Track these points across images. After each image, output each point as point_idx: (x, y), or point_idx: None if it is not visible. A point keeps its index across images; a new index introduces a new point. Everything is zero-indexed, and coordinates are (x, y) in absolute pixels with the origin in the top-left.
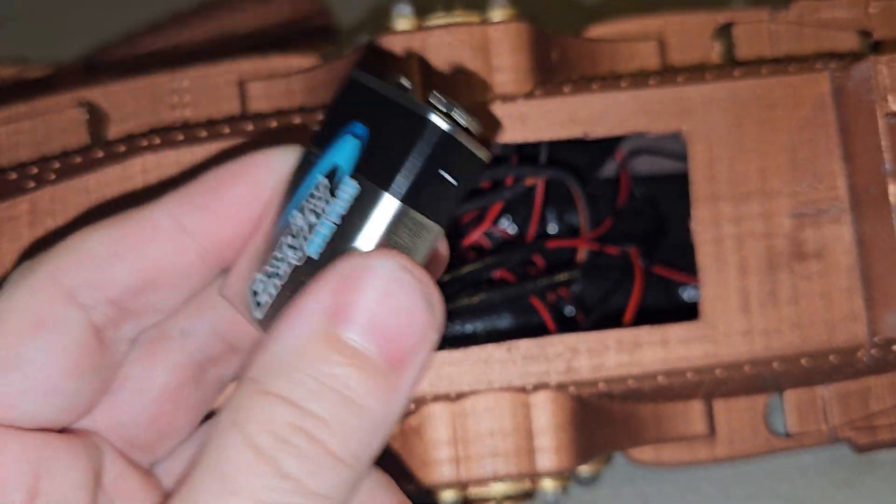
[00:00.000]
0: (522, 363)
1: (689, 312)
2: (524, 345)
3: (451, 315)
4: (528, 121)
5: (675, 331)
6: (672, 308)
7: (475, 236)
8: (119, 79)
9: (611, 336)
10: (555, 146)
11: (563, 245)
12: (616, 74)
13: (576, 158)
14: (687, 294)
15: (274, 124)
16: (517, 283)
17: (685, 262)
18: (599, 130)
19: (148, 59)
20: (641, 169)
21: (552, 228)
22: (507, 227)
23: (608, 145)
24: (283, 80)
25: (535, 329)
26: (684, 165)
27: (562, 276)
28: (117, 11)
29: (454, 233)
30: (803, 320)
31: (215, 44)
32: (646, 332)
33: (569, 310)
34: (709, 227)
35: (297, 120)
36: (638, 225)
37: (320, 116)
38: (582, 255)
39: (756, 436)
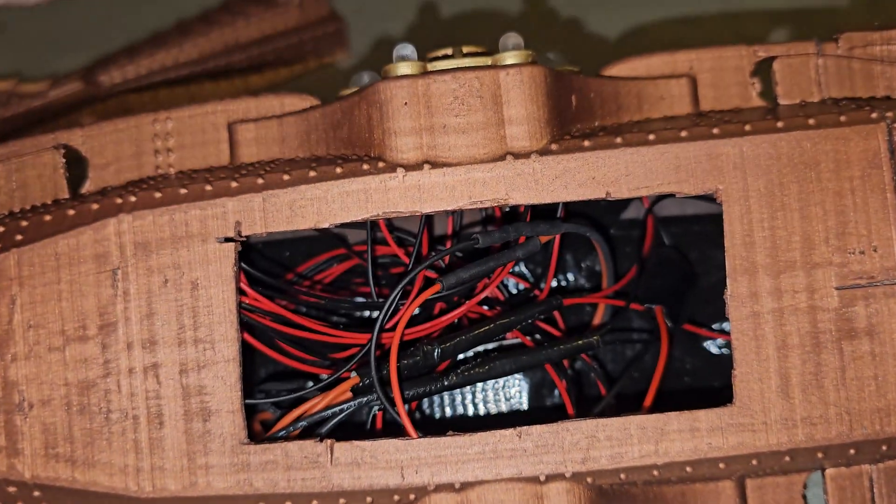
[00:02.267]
0: (535, 451)
1: (713, 364)
2: (537, 431)
3: (457, 385)
4: (543, 180)
5: (706, 417)
6: (698, 365)
7: (486, 292)
8: (100, 120)
9: (633, 423)
10: None
11: (580, 302)
12: (642, 123)
13: (596, 200)
14: (715, 346)
15: (260, 182)
16: (531, 350)
17: (712, 309)
18: (624, 191)
19: (147, 77)
20: (668, 210)
21: (570, 276)
22: (523, 272)
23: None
24: (275, 123)
25: (551, 402)
26: (715, 206)
27: (581, 342)
28: (118, 21)
29: (465, 289)
30: (852, 407)
31: (218, 55)
32: (673, 419)
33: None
34: (746, 300)
35: (285, 176)
36: (665, 277)
37: (310, 172)
38: (601, 312)
39: None
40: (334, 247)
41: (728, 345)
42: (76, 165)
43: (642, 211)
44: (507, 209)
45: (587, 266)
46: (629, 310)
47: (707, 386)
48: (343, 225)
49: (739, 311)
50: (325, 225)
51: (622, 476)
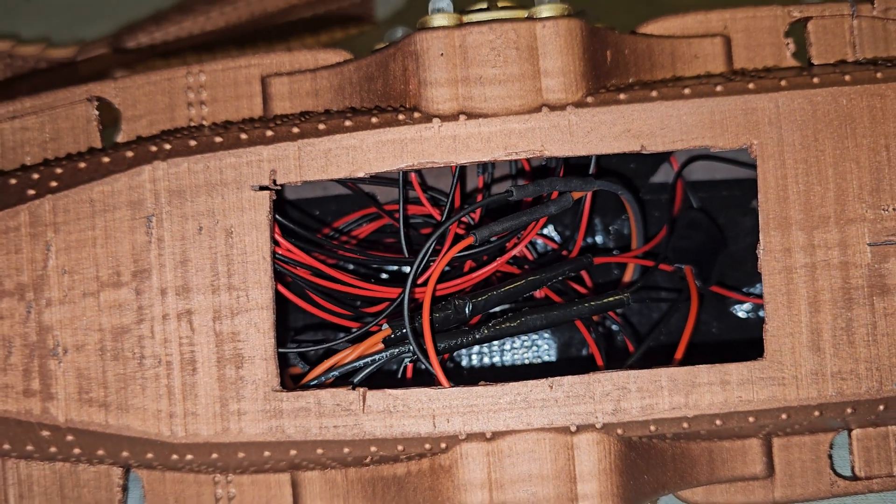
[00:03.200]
0: (566, 402)
1: (741, 328)
2: (569, 382)
3: (489, 338)
4: (579, 133)
5: (737, 370)
6: (725, 329)
7: (517, 250)
8: (133, 73)
9: (664, 374)
10: None
11: (613, 261)
12: (678, 79)
13: (626, 162)
14: (742, 310)
15: (296, 130)
16: (562, 305)
17: (740, 274)
18: (659, 144)
19: (175, 44)
20: (697, 174)
21: (598, 238)
22: (551, 235)
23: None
24: (308, 77)
25: (579, 357)
26: (744, 171)
27: (611, 299)
28: None
29: (494, 248)
30: (882, 363)
31: (244, 24)
32: (704, 371)
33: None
34: (779, 255)
35: (321, 126)
36: (694, 239)
37: (345, 122)
38: (630, 272)
39: (819, 478)
40: (365, 206)
41: (756, 309)
42: (107, 118)
43: (671, 175)
44: (543, 162)
45: (615, 230)
46: (658, 270)
47: (734, 350)
48: (375, 179)
49: (772, 266)
50: (361, 174)
51: (652, 428)
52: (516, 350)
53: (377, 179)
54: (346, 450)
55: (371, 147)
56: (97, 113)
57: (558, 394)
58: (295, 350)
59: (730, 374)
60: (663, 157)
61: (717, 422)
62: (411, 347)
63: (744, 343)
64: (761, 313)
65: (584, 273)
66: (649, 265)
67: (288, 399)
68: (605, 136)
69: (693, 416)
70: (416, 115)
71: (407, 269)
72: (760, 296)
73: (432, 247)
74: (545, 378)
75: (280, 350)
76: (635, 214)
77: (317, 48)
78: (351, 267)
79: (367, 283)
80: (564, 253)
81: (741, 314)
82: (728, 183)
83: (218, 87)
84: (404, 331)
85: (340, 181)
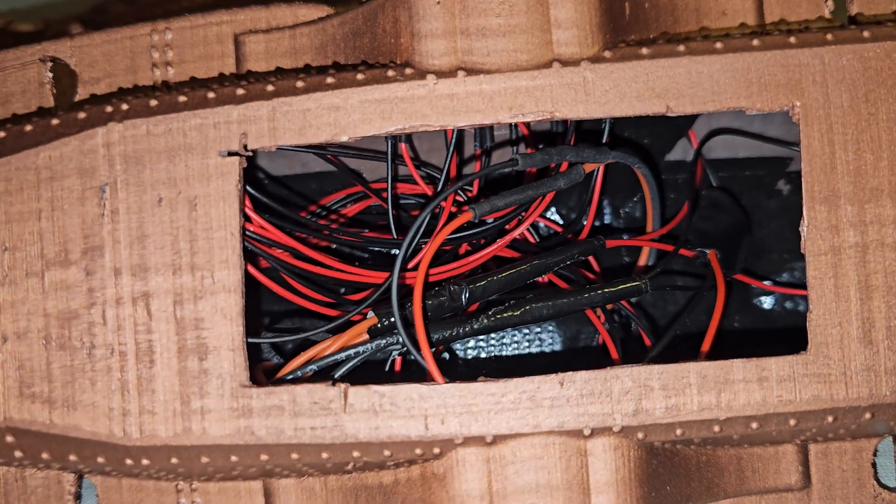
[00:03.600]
0: (579, 401)
1: (765, 321)
2: (582, 378)
3: (488, 329)
4: (595, 91)
5: (777, 365)
6: (749, 323)
7: (521, 228)
8: (91, 31)
9: (693, 370)
10: (615, 120)
11: (627, 245)
12: (708, 33)
13: (640, 136)
14: (768, 302)
15: (270, 88)
16: (571, 293)
17: (765, 262)
18: (686, 106)
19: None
20: (717, 151)
21: (607, 221)
22: (553, 218)
23: (681, 123)
24: (287, 34)
25: (586, 352)
26: (769, 148)
27: (628, 286)
28: None
29: (492, 230)
30: None
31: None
32: (738, 367)
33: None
34: (825, 234)
35: (299, 83)
36: (717, 221)
37: (327, 78)
38: (645, 256)
39: (861, 489)
40: (349, 185)
41: (782, 300)
42: (62, 81)
43: (689, 153)
44: (549, 128)
45: (626, 213)
46: (675, 255)
47: (759, 344)
48: (360, 153)
49: (817, 246)
50: (343, 138)
51: (678, 432)
52: (518, 343)
53: (362, 153)
54: (325, 455)
55: (356, 107)
56: (51, 75)
57: (570, 391)
58: (268, 340)
59: (768, 369)
60: (681, 132)
61: (753, 425)
62: (400, 338)
63: (769, 335)
64: (789, 304)
65: (591, 259)
66: (668, 249)
67: (258, 396)
68: (625, 95)
69: (725, 418)
70: (409, 71)
71: (396, 251)
72: (789, 285)
73: (425, 224)
74: (554, 373)
75: (250, 340)
76: (652, 192)
77: (296, 2)
78: (334, 247)
79: (351, 267)
80: (570, 238)
81: (766, 305)
82: (752, 161)
83: (186, 47)
84: (392, 319)
85: (319, 151)
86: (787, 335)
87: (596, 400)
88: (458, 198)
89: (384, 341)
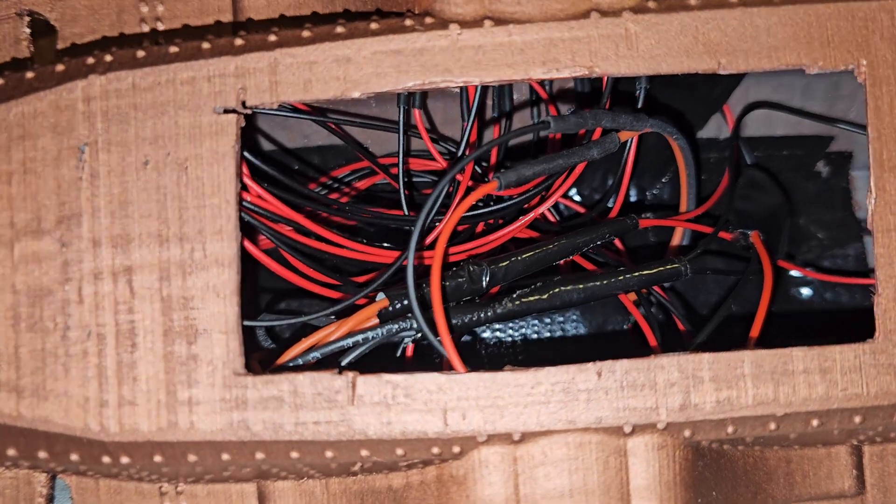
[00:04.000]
0: (619, 394)
1: (803, 312)
2: (623, 367)
3: (512, 315)
4: (639, 46)
5: (841, 355)
6: (785, 314)
7: (545, 206)
8: None
9: (748, 359)
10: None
11: (662, 224)
12: None
13: (669, 112)
14: (806, 292)
15: (273, 38)
16: (603, 275)
17: (806, 249)
18: (740, 63)
19: None
20: (752, 128)
21: (633, 198)
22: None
23: (716, 96)
24: None
25: (618, 340)
26: (808, 125)
27: (667, 268)
28: None
29: (513, 208)
30: None
31: None
32: (798, 356)
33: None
34: (894, 206)
35: (305, 33)
36: (757, 202)
37: (337, 27)
38: (679, 237)
39: None
40: (354, 159)
41: (822, 290)
42: (42, 37)
43: (723, 130)
44: (580, 84)
45: (654, 195)
46: (717, 237)
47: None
48: (368, 122)
49: (886, 221)
50: (355, 94)
51: (729, 430)
52: (538, 331)
53: (369, 122)
54: (329, 453)
55: (368, 59)
56: (28, 31)
57: (609, 382)
58: (266, 323)
59: (832, 358)
60: (715, 106)
61: (814, 422)
62: (415, 323)
63: (808, 329)
64: (829, 295)
65: (616, 241)
66: (706, 231)
67: (255, 385)
68: (672, 50)
69: (783, 413)
70: (429, 20)
71: (409, 228)
72: (829, 272)
73: (444, 192)
74: (591, 362)
75: (246, 323)
76: (689, 167)
77: None
78: (335, 225)
79: (360, 244)
80: (596, 218)
81: (805, 294)
82: (789, 140)
83: (178, 1)
84: (405, 302)
85: (320, 118)
86: (826, 329)
87: (638, 392)
88: (475, 176)
89: (396, 326)
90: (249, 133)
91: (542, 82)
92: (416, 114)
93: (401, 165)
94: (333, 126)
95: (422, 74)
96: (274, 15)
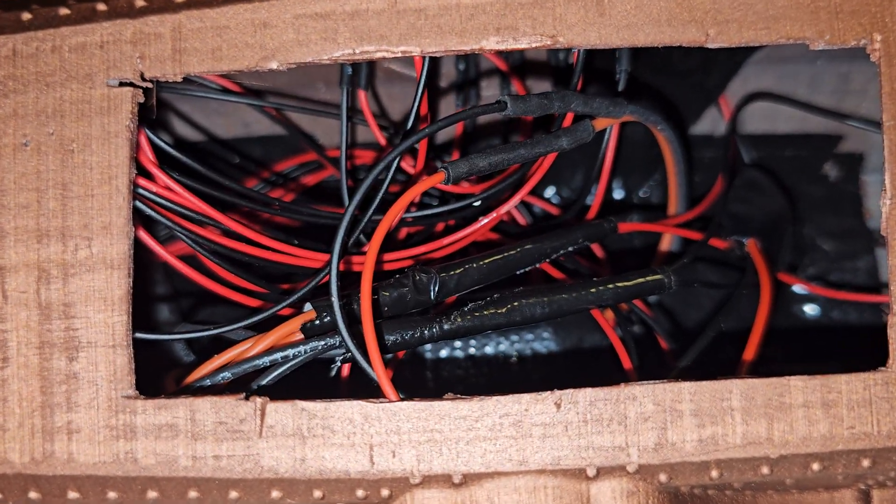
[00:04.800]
0: (582, 429)
1: (807, 333)
2: (587, 397)
3: (463, 332)
4: (612, 11)
5: (848, 386)
6: (786, 331)
7: (509, 205)
8: None
9: (736, 388)
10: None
11: (645, 230)
12: None
13: (654, 100)
14: (811, 310)
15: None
16: (573, 287)
17: (809, 261)
18: (732, 34)
19: None
20: (753, 124)
21: (615, 196)
22: (551, 199)
23: (712, 84)
24: None
25: (591, 363)
26: (815, 121)
27: (648, 279)
28: None
29: (476, 208)
30: None
31: None
32: (797, 387)
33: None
34: None
35: None
36: (756, 205)
37: None
38: (668, 243)
39: None
40: (302, 151)
41: (829, 309)
42: None
43: (719, 125)
44: (555, 59)
45: (642, 196)
46: (707, 244)
47: (798, 362)
48: (308, 107)
49: None
50: (273, 65)
51: (713, 474)
52: (501, 346)
53: (312, 108)
54: (233, 494)
55: (289, 25)
56: None
57: (570, 415)
58: (161, 337)
59: (837, 389)
60: (710, 97)
61: (814, 466)
62: (342, 340)
63: (813, 353)
64: (836, 314)
65: (594, 247)
66: (695, 237)
67: (146, 411)
68: (651, 17)
69: (779, 456)
70: None
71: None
72: (837, 287)
73: (369, 183)
74: (549, 390)
75: (137, 335)
76: (677, 163)
77: None
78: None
79: (286, 245)
80: (570, 221)
81: (808, 313)
82: (793, 139)
83: None
84: (327, 318)
85: (256, 102)
86: (833, 353)
87: (604, 428)
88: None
89: (323, 343)
90: (170, 116)
91: (500, 53)
92: (362, 95)
93: (343, 152)
94: (273, 111)
95: (353, 42)
96: None
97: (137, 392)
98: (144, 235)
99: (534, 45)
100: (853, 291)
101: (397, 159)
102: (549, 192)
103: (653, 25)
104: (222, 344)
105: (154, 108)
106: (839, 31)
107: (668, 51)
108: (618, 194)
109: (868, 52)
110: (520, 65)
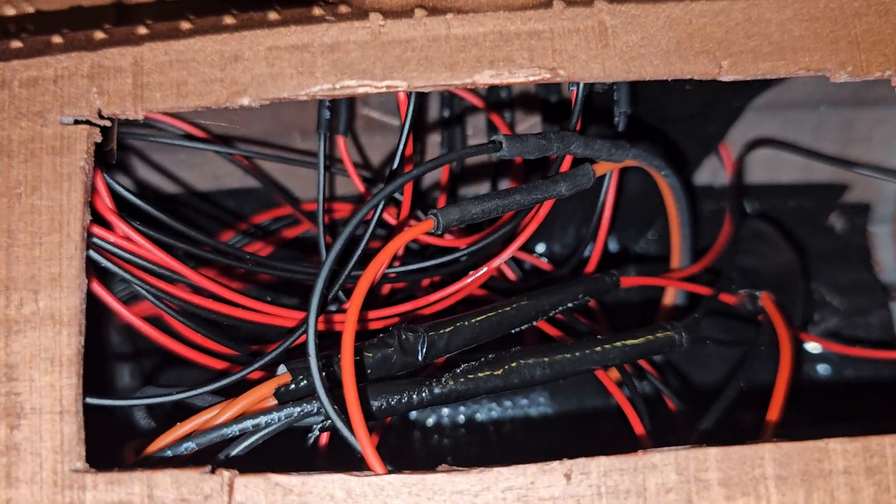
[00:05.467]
0: (597, 502)
1: (820, 392)
2: (601, 467)
3: (455, 396)
4: (616, 42)
5: (895, 447)
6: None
7: (503, 257)
8: None
9: (768, 455)
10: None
11: (649, 284)
12: None
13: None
14: (822, 368)
15: (143, 31)
16: (576, 346)
17: (820, 316)
18: (747, 66)
19: None
20: (755, 174)
21: (613, 245)
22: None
23: (712, 131)
24: None
25: (601, 423)
26: (819, 170)
27: (657, 335)
28: None
29: (464, 259)
30: None
31: None
32: (837, 450)
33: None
34: None
35: (185, 24)
36: (765, 257)
37: (225, 18)
38: (672, 297)
39: None
40: (276, 205)
41: (842, 366)
42: None
43: (720, 175)
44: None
45: (638, 252)
46: (717, 299)
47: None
48: (287, 158)
49: None
50: (244, 101)
51: None
52: (496, 413)
53: (285, 156)
54: None
55: (262, 58)
56: None
57: (582, 488)
58: (115, 403)
59: (880, 452)
60: (710, 145)
61: None
62: (320, 406)
63: (825, 413)
64: (849, 371)
65: (591, 302)
66: (703, 292)
67: (96, 486)
68: (659, 49)
69: None
70: (343, 8)
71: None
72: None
73: (349, 233)
74: (557, 459)
75: (89, 400)
76: (681, 213)
77: None
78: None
79: (259, 303)
80: (566, 276)
81: (821, 372)
82: (797, 189)
83: None
84: (303, 382)
85: (224, 149)
86: (852, 413)
87: (622, 502)
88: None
89: (300, 409)
90: (137, 167)
91: (476, 91)
92: (341, 141)
93: (321, 203)
94: (244, 161)
95: (332, 77)
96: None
97: (88, 465)
98: (100, 289)
99: (532, 79)
100: (869, 348)
101: (381, 204)
102: (540, 248)
103: (661, 57)
104: (187, 410)
105: (114, 152)
106: (862, 62)
107: (664, 96)
108: (612, 245)
109: (894, 85)
110: (507, 102)
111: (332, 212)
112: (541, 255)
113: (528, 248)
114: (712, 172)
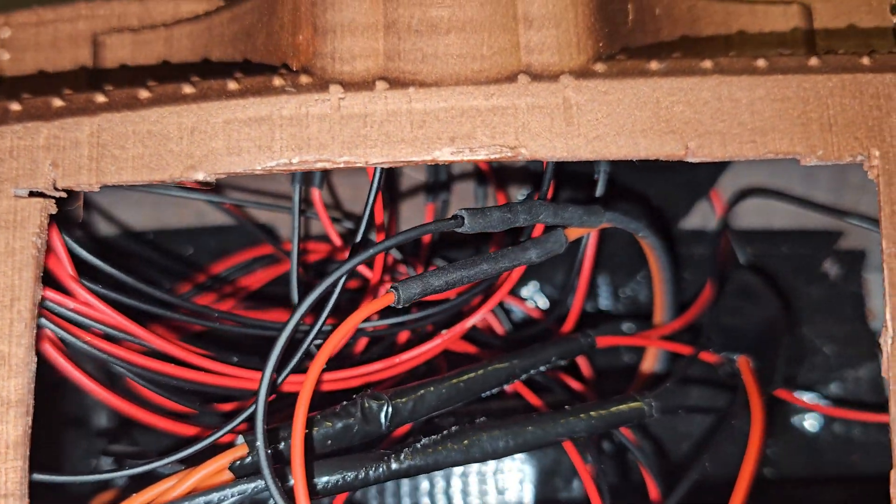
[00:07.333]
0: None
1: (806, 450)
2: None
3: (417, 470)
4: (580, 120)
5: None
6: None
7: (472, 321)
8: None
9: None
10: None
11: (625, 344)
12: (744, 42)
13: (645, 195)
14: (808, 422)
15: (101, 99)
16: (543, 418)
17: (808, 369)
18: (715, 148)
19: None
20: (747, 219)
21: (603, 305)
22: (532, 298)
23: (702, 180)
24: (162, 35)
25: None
26: (813, 217)
27: (625, 407)
28: None
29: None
30: None
31: None
32: None
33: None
34: None
35: (144, 93)
36: (748, 315)
37: (184, 87)
38: (653, 360)
39: None
40: (257, 242)
41: (831, 422)
42: None
43: (711, 219)
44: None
45: (627, 296)
46: (695, 360)
47: (797, 481)
48: (264, 202)
49: None
50: (199, 176)
51: None
52: (462, 481)
53: (266, 202)
54: None
55: (220, 130)
56: None
57: None
58: (59, 479)
59: None
60: (700, 191)
61: None
62: (267, 485)
63: (814, 472)
64: (838, 428)
65: (579, 359)
66: (685, 351)
67: None
68: (625, 128)
69: None
70: (305, 80)
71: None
72: (841, 402)
73: (308, 304)
74: None
75: (37, 476)
76: (663, 271)
77: None
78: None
79: (225, 365)
80: (551, 328)
81: (808, 428)
82: (790, 235)
83: (27, 51)
84: (252, 457)
85: (212, 198)
86: (838, 472)
87: None
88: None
89: (253, 486)
90: (119, 205)
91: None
92: (315, 194)
93: (295, 255)
94: (228, 205)
95: (290, 151)
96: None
97: None
98: (56, 354)
99: (493, 157)
100: (854, 406)
101: (342, 279)
102: (532, 288)
103: (626, 136)
104: (150, 476)
105: (80, 212)
106: (833, 145)
107: None
108: (602, 290)
109: (866, 169)
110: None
111: (308, 253)
112: (531, 298)
113: (516, 293)
114: (703, 217)
